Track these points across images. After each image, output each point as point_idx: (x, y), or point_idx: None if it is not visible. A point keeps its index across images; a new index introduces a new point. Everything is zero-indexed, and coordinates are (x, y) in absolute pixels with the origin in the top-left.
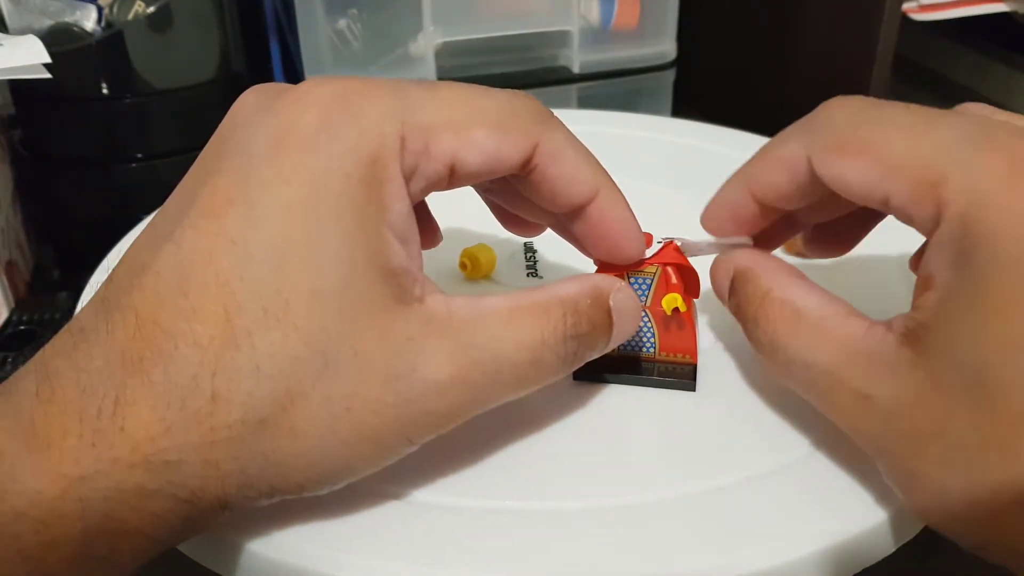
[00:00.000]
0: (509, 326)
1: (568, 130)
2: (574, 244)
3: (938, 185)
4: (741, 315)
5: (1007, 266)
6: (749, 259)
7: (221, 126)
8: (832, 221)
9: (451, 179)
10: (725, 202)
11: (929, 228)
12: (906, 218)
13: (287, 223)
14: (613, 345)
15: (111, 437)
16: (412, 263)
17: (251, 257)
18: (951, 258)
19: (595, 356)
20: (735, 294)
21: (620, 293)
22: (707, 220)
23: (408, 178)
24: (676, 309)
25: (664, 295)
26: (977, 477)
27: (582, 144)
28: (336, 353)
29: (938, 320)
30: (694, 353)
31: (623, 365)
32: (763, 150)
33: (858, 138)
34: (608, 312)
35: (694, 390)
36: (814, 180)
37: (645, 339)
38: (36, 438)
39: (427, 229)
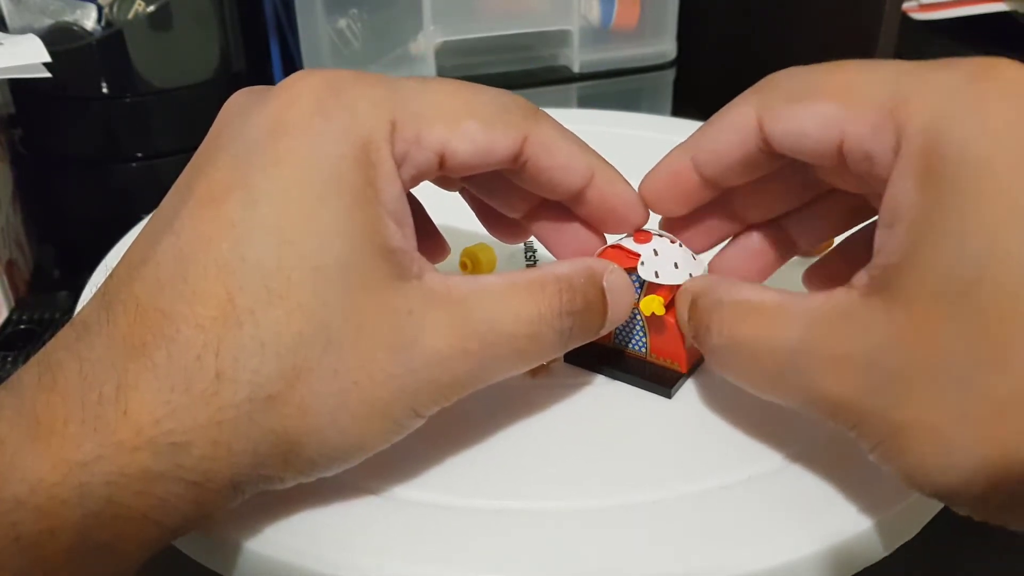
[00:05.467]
0: (506, 300)
1: (556, 121)
2: (553, 253)
3: (897, 109)
4: (697, 330)
5: (981, 174)
6: (700, 281)
7: (213, 125)
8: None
9: (441, 169)
10: (664, 171)
11: (888, 161)
12: (863, 158)
13: (285, 203)
14: (610, 327)
15: (113, 421)
16: (408, 244)
17: (251, 238)
18: (916, 183)
19: (592, 336)
20: (691, 316)
21: (613, 274)
22: (644, 189)
23: (399, 164)
24: (662, 314)
25: (649, 296)
26: (975, 402)
27: (570, 132)
28: (340, 328)
29: (910, 253)
30: (683, 361)
31: (615, 359)
32: (710, 119)
33: (811, 86)
34: (602, 291)
35: (669, 398)
36: (761, 148)
37: (637, 337)
38: (38, 426)
39: (434, 244)
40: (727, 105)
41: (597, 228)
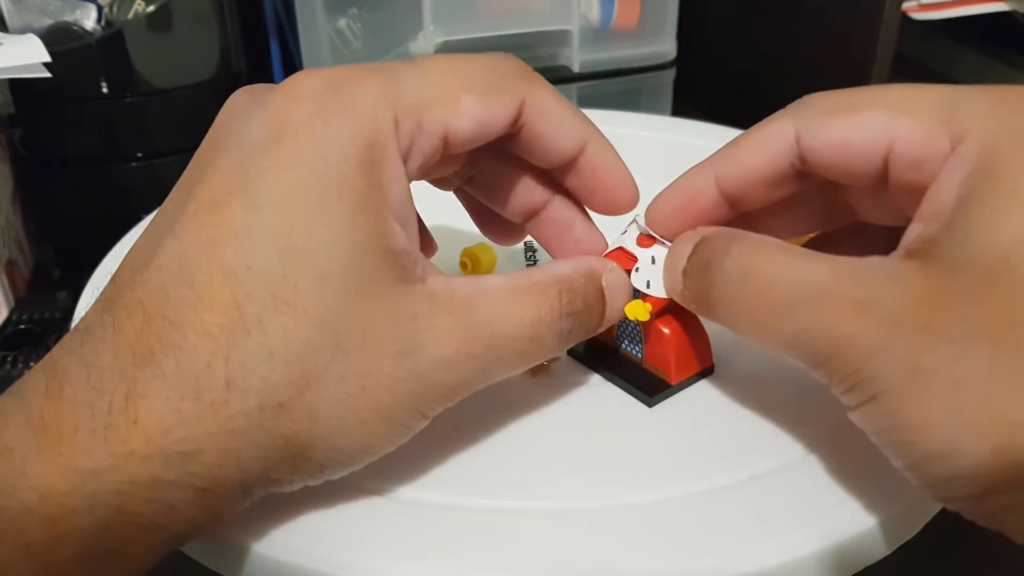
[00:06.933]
0: (508, 303)
1: (551, 86)
2: (551, 252)
3: (951, 118)
4: (708, 258)
5: None
6: (715, 227)
7: (213, 126)
8: None
9: (446, 149)
10: (680, 187)
11: (934, 169)
12: (912, 166)
13: (289, 209)
14: (607, 324)
15: (123, 431)
16: (412, 245)
17: (256, 244)
18: (966, 174)
19: (590, 334)
20: (696, 252)
21: (612, 274)
22: (652, 210)
23: (405, 157)
24: (646, 319)
25: (635, 300)
26: (1007, 364)
27: (566, 99)
28: (347, 334)
29: (953, 225)
30: (671, 373)
31: (612, 359)
32: (740, 136)
33: (856, 101)
34: (601, 291)
35: (650, 407)
36: (793, 164)
37: (635, 341)
38: (47, 434)
39: (423, 241)
40: (760, 122)
41: (586, 203)
